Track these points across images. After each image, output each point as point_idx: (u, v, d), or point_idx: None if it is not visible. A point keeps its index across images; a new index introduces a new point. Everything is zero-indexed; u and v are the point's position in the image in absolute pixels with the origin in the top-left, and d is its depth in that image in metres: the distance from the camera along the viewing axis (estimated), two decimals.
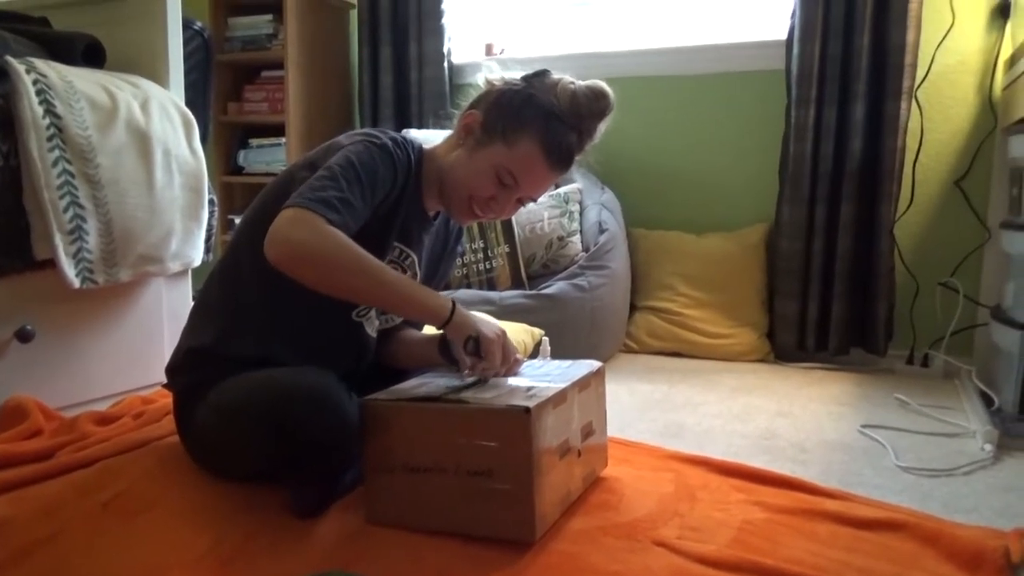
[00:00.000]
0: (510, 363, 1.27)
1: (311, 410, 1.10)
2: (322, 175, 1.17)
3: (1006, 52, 2.25)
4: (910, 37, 2.25)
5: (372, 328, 1.37)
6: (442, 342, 1.35)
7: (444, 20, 2.88)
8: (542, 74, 1.31)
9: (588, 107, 1.27)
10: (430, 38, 2.89)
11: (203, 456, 1.28)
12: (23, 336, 1.53)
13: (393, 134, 1.29)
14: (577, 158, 1.31)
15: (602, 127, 1.31)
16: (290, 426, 1.09)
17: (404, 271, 1.35)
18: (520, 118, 1.25)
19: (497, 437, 1.08)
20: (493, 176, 1.26)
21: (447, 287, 2.49)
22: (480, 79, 1.33)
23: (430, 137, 3.03)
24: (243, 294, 1.27)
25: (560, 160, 1.27)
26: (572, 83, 1.29)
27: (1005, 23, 2.26)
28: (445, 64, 2.91)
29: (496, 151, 1.26)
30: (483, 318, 1.26)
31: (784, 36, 2.44)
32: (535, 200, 1.35)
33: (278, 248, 1.11)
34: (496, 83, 1.31)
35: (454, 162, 1.31)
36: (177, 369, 1.31)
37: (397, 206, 1.29)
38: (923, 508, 1.31)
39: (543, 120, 1.25)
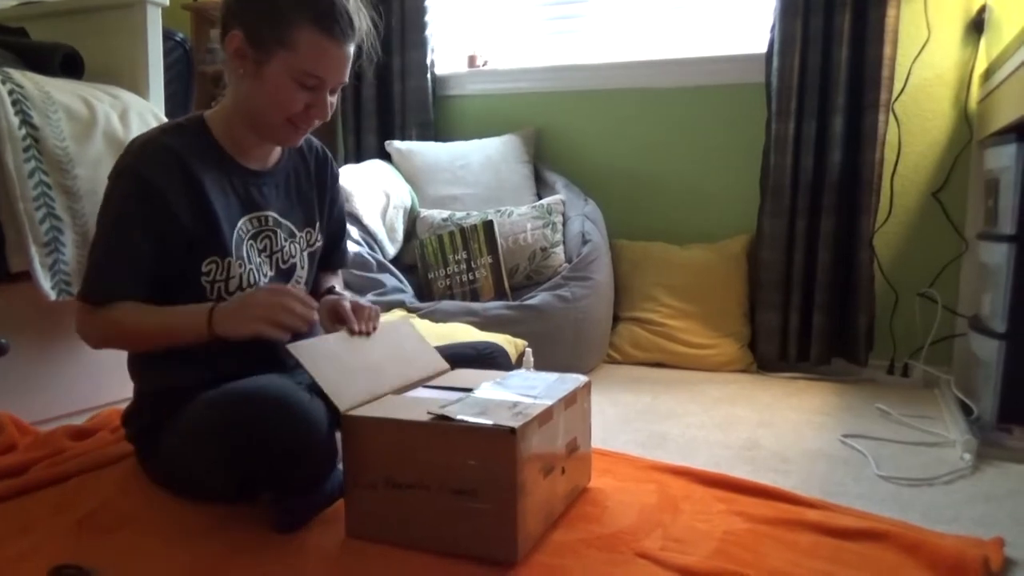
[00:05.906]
0: (360, 320, 1.30)
1: (275, 418, 1.08)
2: (93, 241, 1.23)
3: (981, 66, 2.28)
4: (887, 51, 2.28)
5: None
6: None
7: (427, 32, 2.89)
8: None
9: None
10: (413, 50, 2.89)
11: (175, 485, 1.27)
12: None
13: (145, 138, 1.22)
14: (360, 18, 1.21)
15: None
16: (256, 437, 1.08)
17: (276, 235, 1.31)
18: (280, 12, 1.15)
19: (481, 456, 1.07)
20: (294, 86, 1.18)
21: (430, 296, 2.48)
22: None
23: (413, 149, 3.01)
24: None
25: (343, 29, 1.18)
26: None
27: (979, 37, 2.30)
28: (428, 76, 2.91)
29: (280, 60, 1.17)
30: (252, 302, 1.18)
31: (764, 49, 2.47)
32: (345, 83, 1.25)
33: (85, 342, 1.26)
34: None
35: (248, 93, 1.22)
36: (132, 414, 1.32)
37: (204, 193, 1.21)
38: (904, 518, 1.32)
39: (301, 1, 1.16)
